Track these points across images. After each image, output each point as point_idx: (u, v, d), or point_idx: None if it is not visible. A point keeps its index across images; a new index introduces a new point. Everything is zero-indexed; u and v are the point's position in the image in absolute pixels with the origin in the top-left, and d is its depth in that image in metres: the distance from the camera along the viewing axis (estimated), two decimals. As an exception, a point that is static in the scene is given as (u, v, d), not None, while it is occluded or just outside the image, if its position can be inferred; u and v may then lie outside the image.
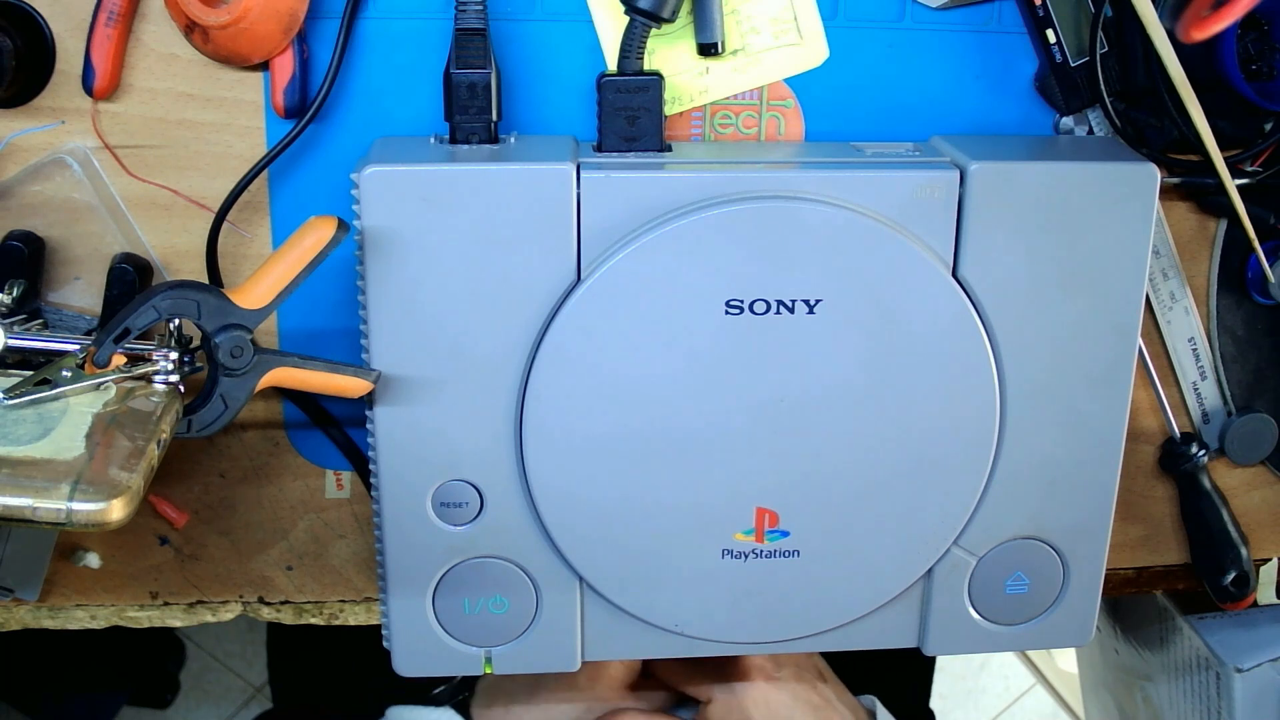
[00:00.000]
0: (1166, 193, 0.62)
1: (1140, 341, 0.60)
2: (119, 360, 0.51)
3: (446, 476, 0.56)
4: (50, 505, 0.44)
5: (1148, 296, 0.63)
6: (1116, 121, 0.58)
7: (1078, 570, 0.61)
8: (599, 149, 0.56)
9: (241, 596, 0.66)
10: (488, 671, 0.60)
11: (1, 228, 0.56)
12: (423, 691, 0.74)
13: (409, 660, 0.60)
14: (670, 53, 0.57)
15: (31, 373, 0.50)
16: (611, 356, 0.54)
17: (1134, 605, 0.81)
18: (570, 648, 0.60)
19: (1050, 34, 0.57)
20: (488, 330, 0.54)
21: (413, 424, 0.55)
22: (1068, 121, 0.60)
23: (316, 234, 0.50)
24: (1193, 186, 0.61)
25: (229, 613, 0.66)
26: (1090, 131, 0.60)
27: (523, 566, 0.58)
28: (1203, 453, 0.66)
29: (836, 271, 0.53)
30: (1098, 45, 0.57)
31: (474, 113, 0.54)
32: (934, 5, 0.58)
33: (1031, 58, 0.59)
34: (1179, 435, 0.66)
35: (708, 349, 0.54)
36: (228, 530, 0.64)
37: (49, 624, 0.66)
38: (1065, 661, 1.69)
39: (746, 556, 0.58)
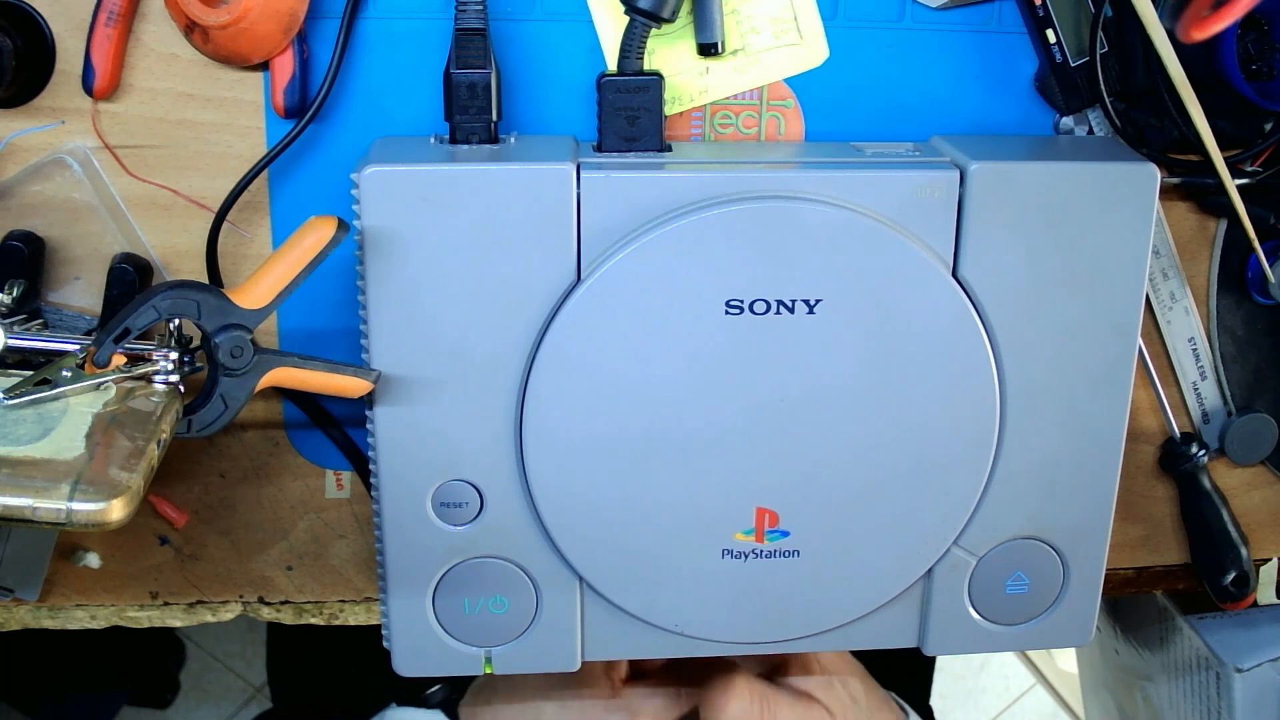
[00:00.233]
0: (1166, 193, 0.62)
1: (1140, 341, 0.60)
2: (119, 360, 0.51)
3: (446, 476, 0.56)
4: (50, 505, 0.44)
5: (1148, 296, 0.63)
6: (1116, 121, 0.58)
7: (1078, 570, 0.61)
8: (599, 149, 0.56)
9: (241, 596, 0.66)
10: (488, 671, 0.60)
11: (1, 228, 0.56)
12: (418, 693, 0.74)
13: (409, 660, 0.60)
14: (670, 53, 0.57)
15: (31, 373, 0.50)
16: (611, 356, 0.54)
17: (1134, 605, 0.81)
18: (570, 648, 0.60)
19: (1050, 34, 0.57)
20: (488, 330, 0.54)
21: (413, 424, 0.55)
22: (1068, 121, 0.60)
23: (316, 234, 0.50)
24: (1193, 186, 0.61)
25: (229, 613, 0.66)
26: (1090, 131, 0.60)
27: (523, 566, 0.58)
28: (1203, 453, 0.66)
29: (836, 271, 0.53)
30: (1098, 45, 0.57)
31: (474, 113, 0.54)
32: (934, 5, 0.58)
33: (1031, 58, 0.59)
34: (1179, 435, 0.66)
35: (708, 349, 0.54)
36: (228, 530, 0.64)
37: (49, 624, 0.66)
38: (1065, 661, 1.69)
39: (746, 556, 0.58)
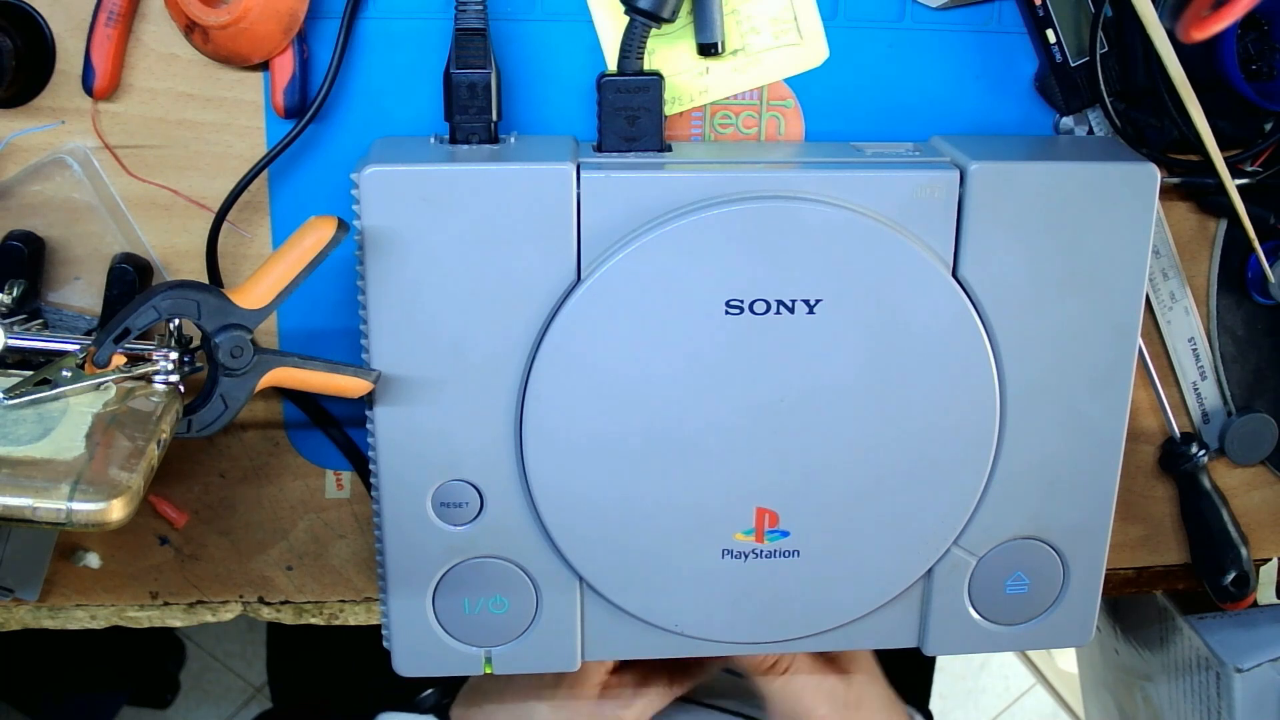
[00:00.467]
0: (1166, 193, 0.62)
1: (1140, 341, 0.60)
2: (119, 360, 0.51)
3: (446, 476, 0.56)
4: (50, 505, 0.44)
5: (1148, 296, 0.63)
6: (1116, 121, 0.58)
7: (1078, 570, 0.61)
8: (599, 149, 0.56)
9: (241, 596, 0.66)
10: (488, 671, 0.60)
11: (1, 228, 0.56)
12: (410, 697, 0.74)
13: (409, 660, 0.60)
14: (670, 53, 0.57)
15: (31, 373, 0.50)
16: (611, 356, 0.54)
17: (1134, 605, 0.81)
18: (570, 648, 0.60)
19: (1050, 34, 0.57)
20: (488, 330, 0.54)
21: (413, 424, 0.55)
22: (1068, 121, 0.60)
23: (316, 234, 0.50)
24: (1193, 186, 0.61)
25: (229, 613, 0.66)
26: (1090, 131, 0.60)
27: (523, 566, 0.58)
28: (1203, 453, 0.66)
29: (836, 271, 0.53)
30: (1098, 45, 0.57)
31: (474, 113, 0.54)
32: (934, 5, 0.58)
33: (1031, 58, 0.59)
34: (1179, 435, 0.66)
35: (708, 349, 0.54)
36: (228, 530, 0.64)
37: (49, 624, 0.66)
38: (1065, 661, 1.69)
39: (746, 556, 0.58)
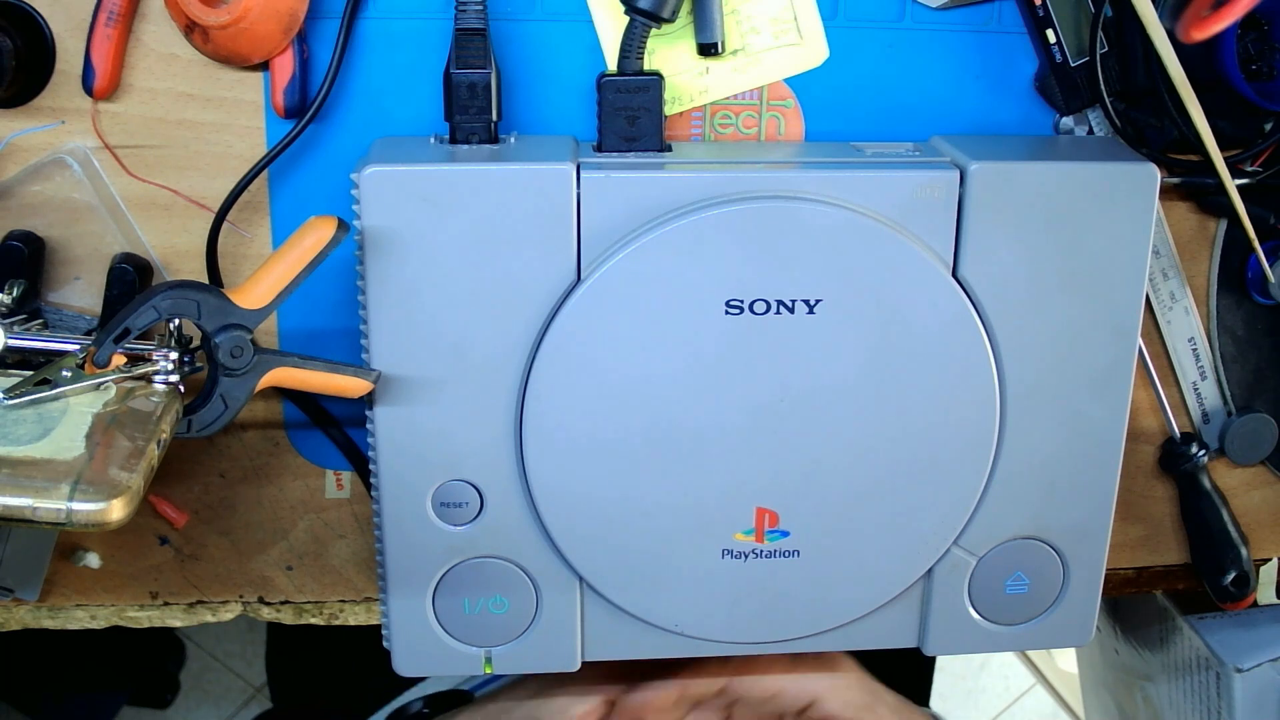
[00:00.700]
0: (1166, 193, 0.62)
1: (1140, 341, 0.60)
2: (119, 360, 0.51)
3: (446, 476, 0.56)
4: (50, 505, 0.44)
5: (1148, 296, 0.63)
6: (1116, 121, 0.58)
7: (1078, 570, 0.61)
8: (599, 149, 0.56)
9: (241, 596, 0.66)
10: (488, 671, 0.60)
11: (1, 228, 0.56)
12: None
13: (409, 660, 0.60)
14: (670, 53, 0.57)
15: (31, 373, 0.50)
16: (611, 356, 0.54)
17: (1134, 605, 0.81)
18: (570, 648, 0.60)
19: (1050, 34, 0.57)
20: (488, 330, 0.54)
21: (413, 424, 0.55)
22: (1068, 121, 0.60)
23: (316, 234, 0.50)
24: (1193, 186, 0.61)
25: (229, 613, 0.66)
26: (1090, 131, 0.60)
27: (523, 566, 0.58)
28: (1203, 453, 0.66)
29: (836, 271, 0.53)
30: (1098, 45, 0.57)
31: (474, 113, 0.54)
32: (934, 5, 0.58)
33: (1031, 58, 0.59)
34: (1179, 435, 0.66)
35: (708, 349, 0.54)
36: (228, 530, 0.64)
37: (49, 624, 0.66)
38: (1065, 661, 1.69)
39: (746, 556, 0.58)
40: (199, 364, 0.52)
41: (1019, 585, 0.61)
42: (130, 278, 0.56)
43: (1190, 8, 0.53)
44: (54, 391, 0.49)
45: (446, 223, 0.52)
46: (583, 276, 0.53)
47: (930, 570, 0.60)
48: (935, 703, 1.04)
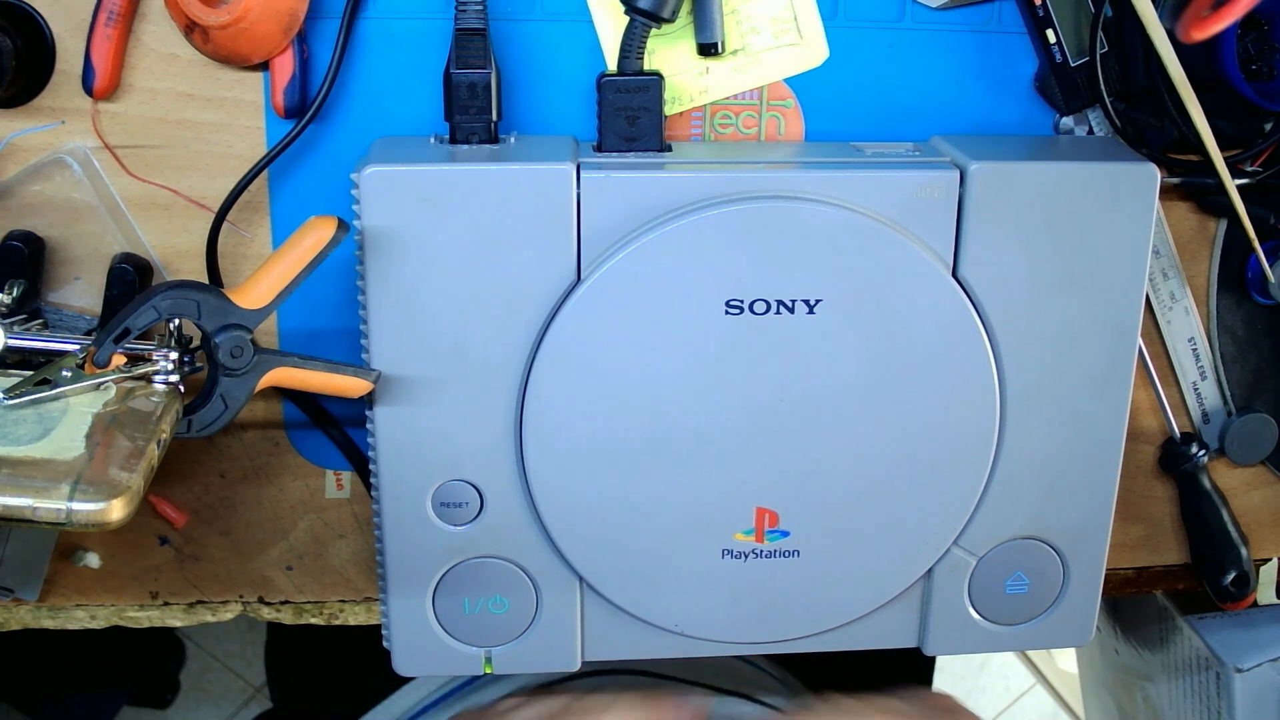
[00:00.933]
0: (1166, 193, 0.62)
1: (1140, 341, 0.60)
2: (119, 360, 0.51)
3: (446, 476, 0.56)
4: (50, 505, 0.44)
5: (1148, 296, 0.63)
6: (1116, 121, 0.58)
7: (1078, 570, 0.61)
8: (599, 149, 0.56)
9: (241, 596, 0.66)
10: (488, 671, 0.60)
11: (1, 228, 0.56)
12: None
13: (409, 660, 0.60)
14: (670, 53, 0.57)
15: (31, 373, 0.50)
16: (611, 356, 0.54)
17: (1134, 605, 0.81)
18: (570, 648, 0.60)
19: (1050, 34, 0.57)
20: (488, 330, 0.54)
21: (413, 424, 0.55)
22: (1068, 121, 0.60)
23: (316, 234, 0.50)
24: (1193, 186, 0.61)
25: (229, 613, 0.66)
26: (1090, 131, 0.60)
27: (523, 566, 0.58)
28: (1203, 453, 0.66)
29: (836, 271, 0.53)
30: (1098, 45, 0.57)
31: (474, 113, 0.54)
32: (934, 5, 0.58)
33: (1031, 58, 0.59)
34: (1179, 435, 0.66)
35: (708, 349, 0.54)
36: (228, 530, 0.64)
37: (49, 624, 0.66)
38: (1065, 661, 1.69)
39: (746, 556, 0.58)
40: (199, 364, 0.52)
41: (1019, 585, 0.61)
42: (130, 278, 0.56)
43: (1190, 8, 0.53)
44: (54, 391, 0.49)
45: (446, 223, 0.52)
46: (583, 276, 0.53)
47: (930, 570, 0.60)
48: (935, 703, 1.03)
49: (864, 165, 0.54)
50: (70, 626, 0.66)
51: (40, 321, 0.56)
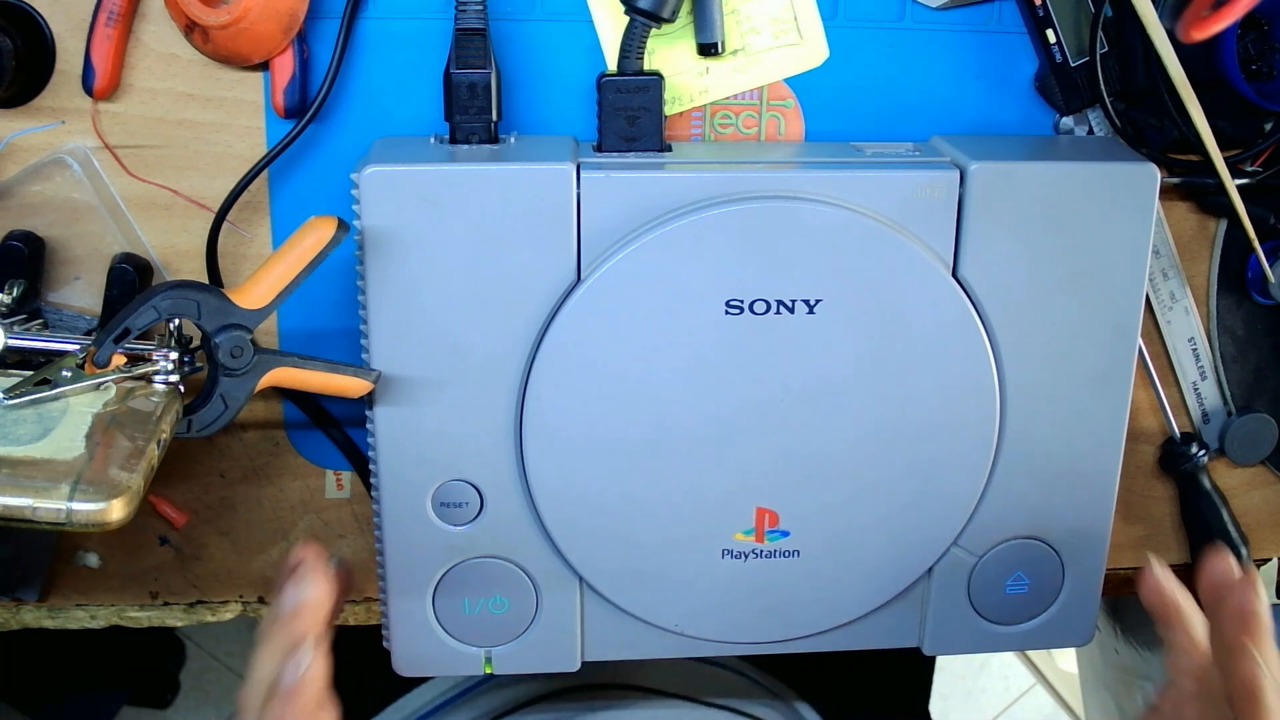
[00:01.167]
0: (1166, 193, 0.62)
1: (1140, 341, 0.60)
2: (119, 360, 0.51)
3: (446, 476, 0.56)
4: (50, 505, 0.44)
5: (1148, 296, 0.63)
6: (1116, 121, 0.58)
7: (1078, 570, 0.61)
8: (599, 149, 0.56)
9: (241, 596, 0.66)
10: (488, 671, 0.60)
11: (1, 228, 0.56)
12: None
13: (409, 660, 0.60)
14: (670, 53, 0.57)
15: (31, 373, 0.50)
16: (611, 356, 0.54)
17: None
18: (570, 648, 0.60)
19: (1050, 34, 0.57)
20: (488, 330, 0.54)
21: (413, 424, 0.55)
22: (1068, 121, 0.60)
23: (316, 234, 0.50)
24: (1193, 186, 0.61)
25: (229, 613, 0.66)
26: (1090, 131, 0.60)
27: (523, 566, 0.58)
28: (1203, 453, 0.66)
29: (836, 271, 0.53)
30: (1098, 45, 0.57)
31: (474, 113, 0.54)
32: (934, 5, 0.58)
33: (1031, 58, 0.59)
34: (1179, 435, 0.66)
35: (708, 349, 0.54)
36: (228, 530, 0.64)
37: (49, 624, 0.66)
38: (1065, 661, 1.69)
39: (746, 556, 0.58)
40: (199, 364, 0.52)
41: (1019, 585, 0.61)
42: (130, 278, 0.56)
43: (1190, 8, 0.53)
44: (54, 391, 0.49)
45: (446, 223, 0.52)
46: (583, 276, 0.53)
47: (930, 570, 0.60)
48: (935, 703, 1.03)
49: (864, 165, 0.54)
50: (70, 626, 0.66)
51: (40, 321, 0.56)
